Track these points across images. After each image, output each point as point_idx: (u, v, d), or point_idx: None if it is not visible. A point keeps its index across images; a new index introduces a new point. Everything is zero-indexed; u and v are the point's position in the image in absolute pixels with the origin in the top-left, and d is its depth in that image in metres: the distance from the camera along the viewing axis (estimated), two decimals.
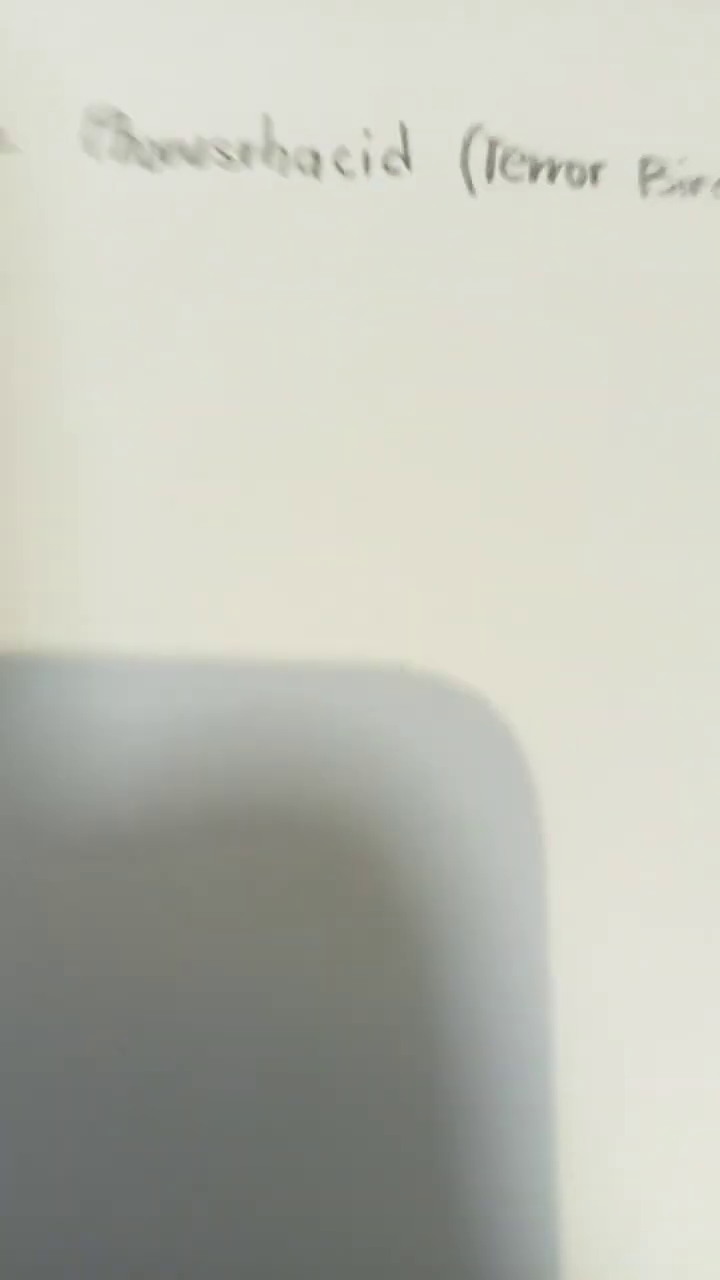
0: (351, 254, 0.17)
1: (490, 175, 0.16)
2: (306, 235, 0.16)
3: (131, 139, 0.16)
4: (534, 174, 0.16)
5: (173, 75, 0.16)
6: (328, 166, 0.16)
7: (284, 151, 0.16)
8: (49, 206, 0.16)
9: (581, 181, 0.17)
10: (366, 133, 0.16)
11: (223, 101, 0.16)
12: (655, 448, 0.21)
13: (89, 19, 0.17)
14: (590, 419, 0.21)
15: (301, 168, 0.16)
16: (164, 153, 0.16)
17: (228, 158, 0.16)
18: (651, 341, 0.19)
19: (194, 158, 0.16)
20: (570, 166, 0.16)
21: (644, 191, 0.17)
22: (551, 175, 0.16)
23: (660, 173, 0.17)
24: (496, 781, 0.22)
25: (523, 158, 0.16)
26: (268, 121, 0.16)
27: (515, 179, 0.16)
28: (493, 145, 0.16)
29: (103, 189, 0.16)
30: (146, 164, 0.16)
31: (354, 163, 0.16)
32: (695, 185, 0.17)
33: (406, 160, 0.16)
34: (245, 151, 0.16)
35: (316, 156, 0.16)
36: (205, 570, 0.21)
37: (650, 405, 0.21)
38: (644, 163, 0.17)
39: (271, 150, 0.16)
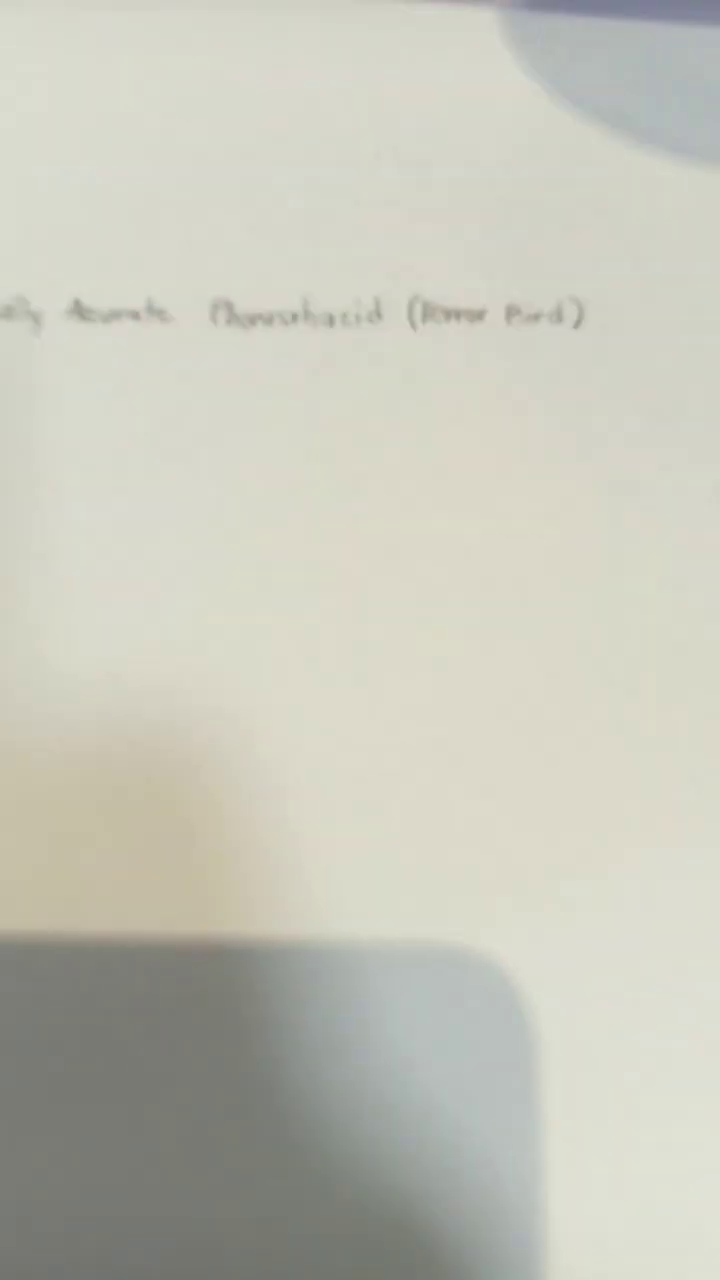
0: (352, 367, 0.28)
1: (425, 320, 0.28)
2: (326, 356, 0.28)
3: (234, 313, 0.29)
4: (447, 318, 0.29)
5: (254, 278, 0.28)
6: (338, 322, 0.28)
7: (314, 315, 0.28)
8: (190, 350, 0.29)
9: (474, 320, 0.28)
10: (357, 301, 0.28)
11: (283, 291, 0.28)
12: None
13: (214, 237, 0.29)
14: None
15: (324, 323, 0.28)
16: (253, 320, 0.28)
17: (285, 321, 0.28)
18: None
19: (269, 321, 0.28)
20: (466, 313, 0.29)
21: (509, 325, 0.28)
22: (457, 318, 0.29)
23: (519, 313, 0.29)
24: (497, 1039, 0.22)
25: (440, 309, 0.29)
26: (306, 299, 0.28)
27: (438, 322, 0.28)
28: (426, 305, 0.28)
29: (220, 342, 0.28)
30: (244, 327, 0.28)
31: (351, 318, 0.28)
32: (536, 318, 0.30)
33: (379, 315, 0.28)
34: (295, 317, 0.28)
35: (331, 317, 0.28)
36: (204, 846, 0.23)
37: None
38: (509, 309, 0.28)
39: (309, 315, 0.28)
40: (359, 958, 0.22)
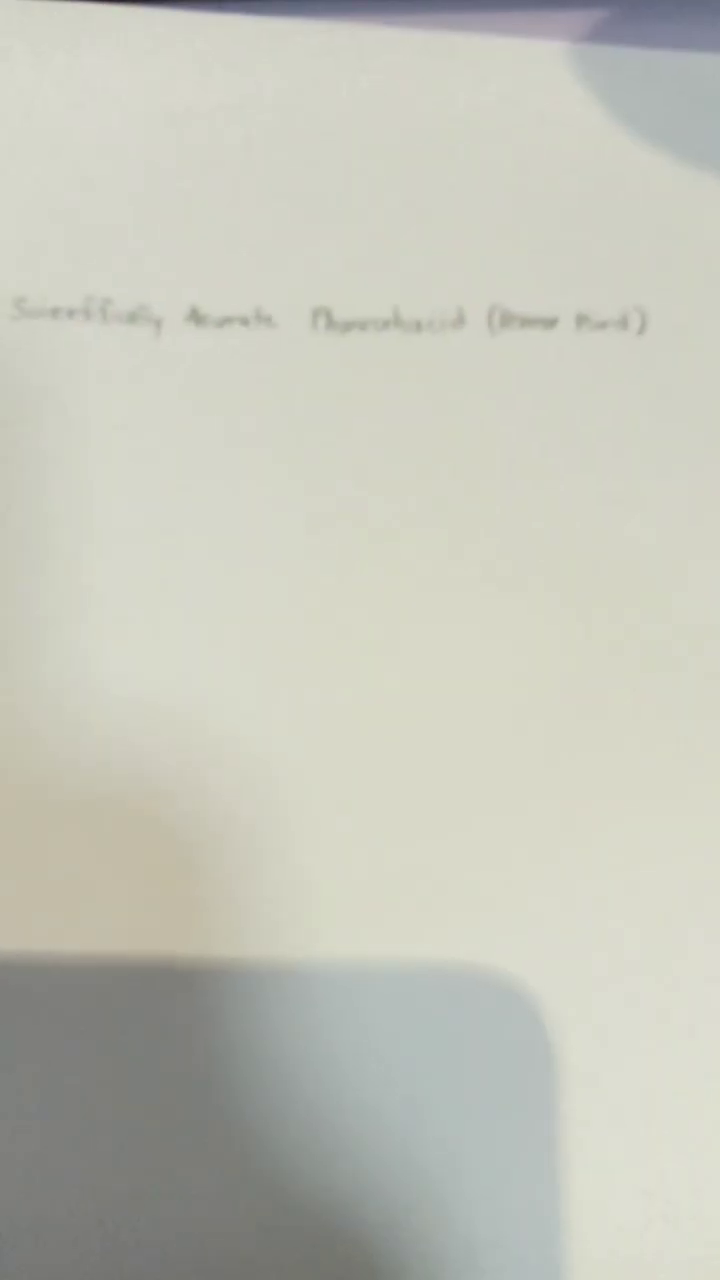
0: (436, 370, 0.32)
1: (502, 327, 0.33)
2: (413, 359, 0.33)
3: (332, 320, 0.32)
4: (522, 325, 0.33)
5: (351, 288, 0.32)
6: (424, 328, 0.31)
7: (404, 322, 0.33)
8: (292, 354, 0.33)
9: (547, 328, 0.32)
10: (442, 309, 0.31)
11: (376, 300, 0.32)
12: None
13: (315, 251, 0.33)
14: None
15: (412, 329, 0.32)
16: (349, 326, 0.32)
17: (377, 327, 0.32)
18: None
19: (363, 328, 0.32)
20: (540, 320, 0.33)
21: (579, 331, 0.32)
22: (531, 325, 0.33)
23: (588, 320, 0.32)
24: (514, 1054, 0.22)
25: (517, 317, 0.33)
26: (396, 307, 0.32)
27: (514, 328, 0.33)
28: (504, 313, 0.33)
29: (319, 347, 0.32)
30: (341, 333, 0.32)
31: (436, 325, 0.31)
32: (603, 325, 0.33)
33: (462, 322, 0.31)
34: (386, 323, 0.31)
35: (418, 324, 0.31)
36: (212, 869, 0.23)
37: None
38: (579, 317, 0.31)
39: (399, 322, 0.32)
40: (368, 978, 0.23)
